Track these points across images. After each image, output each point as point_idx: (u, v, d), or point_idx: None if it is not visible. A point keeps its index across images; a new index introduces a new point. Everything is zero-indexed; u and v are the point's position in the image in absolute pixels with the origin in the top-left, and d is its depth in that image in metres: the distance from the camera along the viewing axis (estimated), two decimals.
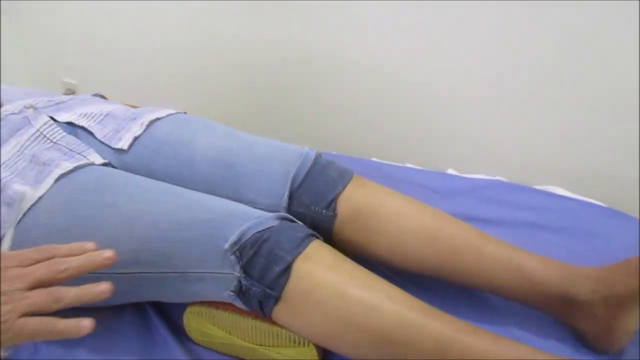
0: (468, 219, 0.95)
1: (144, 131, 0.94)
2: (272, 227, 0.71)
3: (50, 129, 0.92)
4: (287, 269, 0.68)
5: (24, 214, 0.78)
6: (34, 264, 0.57)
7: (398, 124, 1.42)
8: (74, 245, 0.59)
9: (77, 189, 0.79)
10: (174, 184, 0.87)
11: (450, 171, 1.23)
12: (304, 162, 0.86)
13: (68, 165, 0.83)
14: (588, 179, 1.19)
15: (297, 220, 0.76)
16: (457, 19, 1.20)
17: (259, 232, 0.70)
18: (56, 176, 0.81)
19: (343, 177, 0.86)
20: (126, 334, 0.84)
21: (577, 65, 1.13)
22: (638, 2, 1.01)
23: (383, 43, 1.32)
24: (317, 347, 0.73)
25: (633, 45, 1.05)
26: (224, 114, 1.50)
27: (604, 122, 1.17)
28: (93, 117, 0.98)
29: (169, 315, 0.87)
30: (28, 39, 1.91)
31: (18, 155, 0.87)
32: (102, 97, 1.18)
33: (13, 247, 0.78)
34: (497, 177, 1.17)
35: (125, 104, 1.11)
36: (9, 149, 0.88)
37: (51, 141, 0.90)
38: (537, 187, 1.13)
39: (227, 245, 0.69)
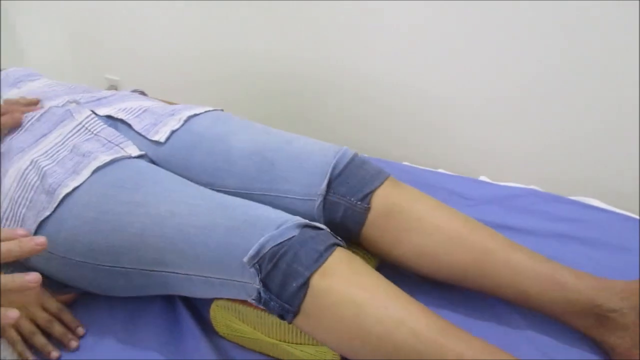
0: (499, 227, 0.94)
1: (182, 126, 0.97)
2: (292, 237, 0.70)
3: (91, 121, 0.96)
4: (304, 285, 0.68)
5: (60, 203, 0.81)
6: None
7: (431, 130, 1.41)
8: (5, 231, 0.58)
9: (111, 185, 0.81)
10: (209, 177, 0.91)
11: (483, 178, 1.22)
12: (343, 156, 0.88)
13: (105, 158, 0.86)
14: (624, 191, 1.16)
15: (321, 226, 0.76)
16: (476, 27, 1.19)
17: (277, 244, 0.69)
18: (93, 168, 0.84)
19: (380, 175, 0.88)
20: (154, 323, 0.87)
21: (614, 72, 1.10)
22: None
23: (409, 55, 1.32)
24: None
25: None
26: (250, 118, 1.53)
27: None
28: (132, 111, 1.01)
29: (197, 307, 0.89)
30: (75, 35, 1.98)
31: (60, 145, 0.91)
32: (143, 93, 1.21)
33: (47, 235, 0.81)
34: (531, 186, 1.15)
35: (164, 101, 1.14)
36: (51, 139, 0.92)
37: (92, 133, 0.94)
38: (572, 198, 1.11)
39: (246, 259, 0.69)
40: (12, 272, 0.96)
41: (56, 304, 0.87)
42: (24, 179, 0.86)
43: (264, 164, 0.89)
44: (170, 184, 0.82)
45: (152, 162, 0.95)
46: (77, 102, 1.01)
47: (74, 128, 0.94)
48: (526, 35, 1.16)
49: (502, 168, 1.28)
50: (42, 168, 0.86)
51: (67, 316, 0.86)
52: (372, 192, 0.85)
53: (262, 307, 0.73)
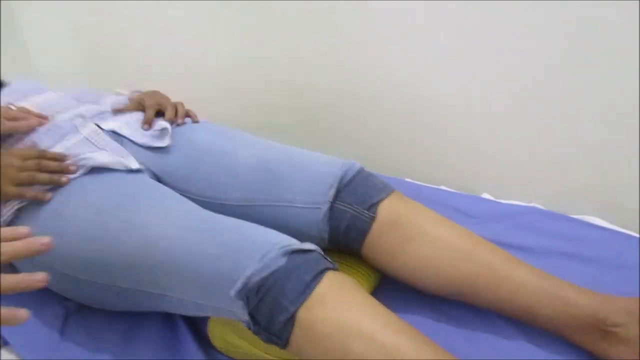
0: (501, 244, 0.93)
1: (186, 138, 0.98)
2: (278, 269, 0.69)
3: (95, 136, 0.97)
4: (291, 319, 0.67)
5: (59, 216, 0.82)
6: None
7: (432, 145, 1.41)
8: (6, 230, 0.57)
9: (110, 202, 0.82)
10: (214, 192, 0.92)
11: (485, 195, 1.22)
12: (350, 168, 0.89)
13: (104, 160, 0.88)
14: (626, 210, 1.15)
15: (312, 247, 0.74)
16: (485, 38, 1.19)
17: (262, 277, 0.68)
18: (92, 164, 0.87)
19: (386, 188, 0.89)
20: (153, 338, 0.86)
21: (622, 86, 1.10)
22: None
23: (414, 65, 1.33)
24: None
25: None
26: (264, 127, 1.53)
27: None
28: (136, 125, 1.02)
29: (195, 321, 0.88)
30: (88, 48, 1.98)
31: None
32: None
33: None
34: (533, 204, 1.15)
35: None
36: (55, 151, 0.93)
37: (95, 147, 0.94)
38: (574, 216, 1.10)
39: (232, 292, 0.69)
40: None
41: (35, 150, 0.88)
42: None
43: (268, 176, 0.90)
44: (166, 203, 0.82)
45: (156, 176, 0.96)
46: (83, 117, 1.02)
47: (78, 141, 0.95)
48: (529, 49, 1.16)
49: (504, 185, 1.27)
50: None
51: (49, 154, 0.88)
52: (378, 202, 0.85)
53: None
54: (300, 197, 0.87)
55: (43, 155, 0.87)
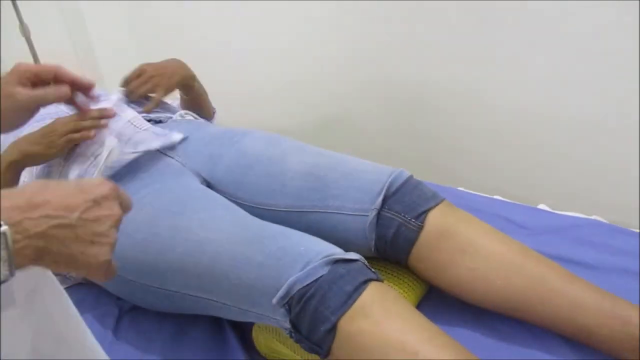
0: (556, 259, 0.89)
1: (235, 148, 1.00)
2: (321, 278, 0.69)
3: (137, 120, 1.04)
4: (332, 329, 0.67)
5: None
6: None
7: (488, 153, 1.37)
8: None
9: (161, 207, 0.85)
10: (262, 198, 0.93)
11: (542, 207, 1.17)
12: (398, 176, 0.88)
13: (155, 145, 0.97)
14: None
15: (355, 257, 0.73)
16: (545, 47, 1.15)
17: (305, 286, 0.68)
18: (144, 148, 0.94)
19: (435, 197, 0.87)
20: (201, 339, 0.88)
21: None
22: None
23: (478, 73, 1.30)
24: None
25: None
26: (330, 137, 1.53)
27: None
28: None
29: (241, 326, 0.89)
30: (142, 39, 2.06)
31: None
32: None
33: None
34: (594, 217, 1.09)
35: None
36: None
37: (138, 128, 1.02)
38: (636, 230, 1.04)
39: (275, 300, 0.69)
40: (67, 280, 1.02)
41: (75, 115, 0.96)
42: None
43: (316, 182, 0.90)
44: (214, 209, 0.84)
45: (206, 181, 0.98)
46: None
47: (123, 124, 1.01)
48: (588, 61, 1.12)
49: (563, 196, 1.22)
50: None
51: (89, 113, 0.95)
52: (427, 211, 0.84)
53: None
54: (348, 204, 0.87)
55: (82, 117, 0.95)
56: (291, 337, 0.71)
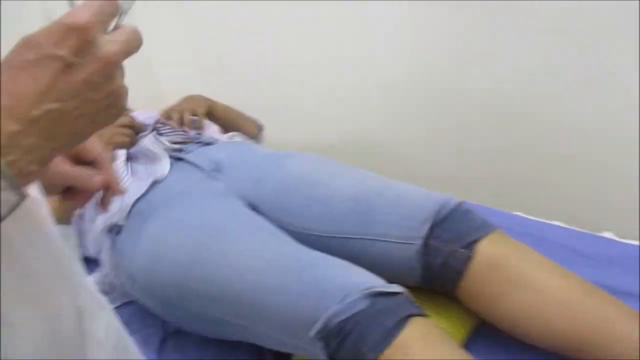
0: (621, 294, 0.83)
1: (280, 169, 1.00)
2: (360, 312, 0.66)
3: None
4: None
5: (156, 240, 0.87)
6: None
7: (548, 175, 1.30)
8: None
9: (204, 232, 0.84)
10: (307, 222, 0.91)
11: (607, 234, 1.09)
12: (447, 202, 0.84)
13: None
14: None
15: (397, 290, 0.70)
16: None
17: (342, 320, 0.66)
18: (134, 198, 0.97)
19: (486, 226, 0.82)
20: None
21: None
22: None
23: (534, 88, 1.24)
24: None
25: None
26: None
27: None
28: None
29: (282, 354, 0.87)
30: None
31: None
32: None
33: (145, 273, 0.87)
34: None
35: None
36: None
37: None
38: None
39: (312, 333, 0.67)
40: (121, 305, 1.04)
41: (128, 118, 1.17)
42: None
43: (362, 208, 0.88)
44: (256, 235, 0.83)
45: (251, 204, 0.98)
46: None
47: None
48: None
49: (630, 223, 1.13)
50: None
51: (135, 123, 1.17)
52: (477, 240, 0.79)
53: None
54: (393, 232, 0.84)
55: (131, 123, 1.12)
56: None
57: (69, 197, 0.57)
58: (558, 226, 1.12)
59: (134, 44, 0.40)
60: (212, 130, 1.47)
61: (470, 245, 0.79)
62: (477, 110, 1.42)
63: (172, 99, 1.39)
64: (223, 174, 1.02)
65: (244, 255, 0.78)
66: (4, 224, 0.37)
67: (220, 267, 0.78)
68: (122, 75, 0.41)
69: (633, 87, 1.12)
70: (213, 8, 1.77)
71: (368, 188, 0.91)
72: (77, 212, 1.07)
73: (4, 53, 0.38)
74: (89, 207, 1.06)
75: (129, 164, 1.10)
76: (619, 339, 0.70)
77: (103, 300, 0.53)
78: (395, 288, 0.70)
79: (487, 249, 0.79)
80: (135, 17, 0.45)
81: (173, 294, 0.84)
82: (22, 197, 0.37)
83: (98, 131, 0.42)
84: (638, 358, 0.68)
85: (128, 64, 0.41)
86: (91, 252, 1.05)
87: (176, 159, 1.06)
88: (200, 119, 1.29)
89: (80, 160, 0.57)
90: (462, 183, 1.50)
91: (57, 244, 0.48)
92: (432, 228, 0.81)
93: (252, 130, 1.47)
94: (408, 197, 0.87)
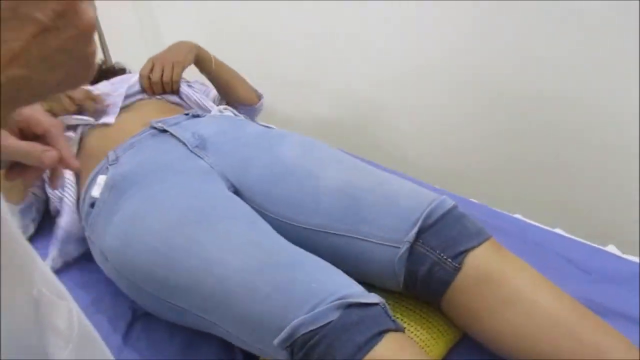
0: (622, 316, 0.78)
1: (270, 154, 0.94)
2: (329, 324, 0.61)
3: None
4: None
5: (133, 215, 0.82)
6: None
7: (553, 179, 1.23)
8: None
9: (179, 214, 0.78)
10: (292, 213, 0.85)
11: (611, 248, 1.02)
12: (439, 205, 0.77)
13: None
14: None
15: (373, 301, 0.64)
16: None
17: (310, 331, 0.61)
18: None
19: (479, 234, 0.75)
20: (206, 354, 0.83)
21: None
22: None
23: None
24: None
25: None
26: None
27: None
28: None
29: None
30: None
31: None
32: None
33: (116, 252, 0.82)
34: None
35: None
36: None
37: None
38: None
39: (276, 342, 0.62)
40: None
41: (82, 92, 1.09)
42: None
43: (350, 203, 0.81)
44: (233, 223, 0.77)
45: (234, 187, 0.92)
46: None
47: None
48: None
49: (636, 238, 1.07)
50: None
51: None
52: (467, 250, 0.73)
53: None
54: (379, 232, 0.77)
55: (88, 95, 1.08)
56: None
57: (17, 174, 0.52)
58: (560, 234, 1.06)
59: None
60: (211, 94, 1.41)
61: (460, 255, 0.73)
62: (491, 101, 1.35)
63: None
64: (207, 151, 0.96)
65: (216, 246, 0.73)
66: None
67: (190, 256, 0.73)
68: (94, 40, 0.36)
69: None
70: None
71: (358, 181, 0.84)
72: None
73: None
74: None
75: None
76: None
77: (62, 288, 0.49)
78: (372, 299, 0.64)
79: (478, 261, 0.72)
80: None
81: (142, 278, 0.79)
82: None
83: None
84: None
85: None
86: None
87: (160, 131, 0.99)
88: (175, 81, 1.23)
89: (28, 134, 0.52)
90: (464, 177, 1.44)
91: (8, 230, 0.43)
92: (420, 232, 0.75)
93: (249, 95, 1.41)
94: (400, 195, 0.80)
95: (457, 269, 0.72)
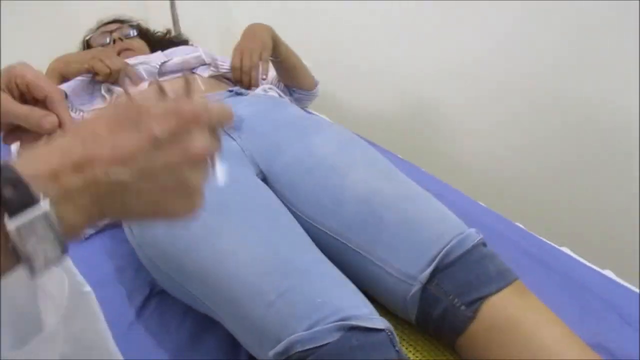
0: None
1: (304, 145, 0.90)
2: (327, 346, 0.57)
3: None
4: None
5: None
6: None
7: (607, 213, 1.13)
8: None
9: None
10: (312, 212, 0.82)
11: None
12: (463, 240, 0.71)
13: None
14: None
15: (378, 327, 0.60)
16: None
17: (306, 350, 0.58)
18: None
19: (501, 278, 0.68)
20: (214, 347, 0.81)
21: None
22: None
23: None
24: None
25: None
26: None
27: None
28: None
29: None
30: None
31: None
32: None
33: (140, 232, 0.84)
34: None
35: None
36: None
37: None
38: None
39: (271, 353, 0.60)
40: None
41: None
42: None
43: (372, 218, 0.76)
44: (253, 215, 0.75)
45: (262, 173, 0.90)
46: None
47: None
48: None
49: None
50: None
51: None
52: (483, 297, 0.66)
53: None
54: (394, 262, 0.72)
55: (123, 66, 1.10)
56: None
57: (15, 137, 0.52)
58: (609, 278, 0.97)
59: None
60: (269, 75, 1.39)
61: (476, 303, 0.66)
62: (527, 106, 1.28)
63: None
64: (241, 132, 0.93)
65: (231, 239, 0.71)
66: None
67: (206, 244, 0.72)
68: (204, 173, 0.38)
69: None
70: None
71: (384, 193, 0.78)
72: None
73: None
74: None
75: None
76: None
77: None
78: (377, 324, 0.60)
79: (495, 309, 0.66)
80: None
81: (160, 258, 0.79)
82: (62, 254, 0.33)
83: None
84: None
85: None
86: None
87: None
88: (264, 67, 1.17)
89: (28, 98, 0.52)
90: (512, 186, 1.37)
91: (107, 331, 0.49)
92: (436, 272, 0.69)
93: (309, 81, 1.38)
94: (423, 221, 0.74)
95: (471, 318, 0.66)
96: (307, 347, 0.58)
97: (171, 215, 0.37)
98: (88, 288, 0.52)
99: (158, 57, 1.22)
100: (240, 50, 1.18)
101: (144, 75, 1.16)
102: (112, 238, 1.05)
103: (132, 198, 0.34)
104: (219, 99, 1.00)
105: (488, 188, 1.32)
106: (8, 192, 0.30)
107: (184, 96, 0.38)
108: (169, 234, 0.76)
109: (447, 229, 0.72)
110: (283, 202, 0.84)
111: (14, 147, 0.92)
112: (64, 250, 0.32)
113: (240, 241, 0.70)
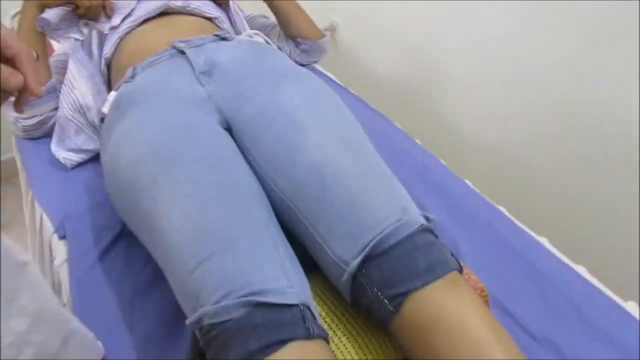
0: None
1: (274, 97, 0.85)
2: (230, 321, 0.57)
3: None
4: None
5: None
6: None
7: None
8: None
9: (153, 147, 0.76)
10: (269, 170, 0.78)
11: (631, 307, 0.88)
12: (397, 229, 0.66)
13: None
14: None
15: (292, 302, 0.60)
16: None
17: (212, 323, 0.58)
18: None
19: (432, 271, 0.63)
20: (165, 299, 0.81)
21: None
22: None
23: None
24: None
25: None
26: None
27: None
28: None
29: None
30: None
31: None
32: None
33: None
34: None
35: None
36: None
37: None
38: None
39: (187, 322, 0.62)
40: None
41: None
42: None
43: (318, 190, 0.72)
44: (196, 170, 0.73)
45: (227, 122, 0.86)
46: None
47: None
48: None
49: None
50: None
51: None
52: (407, 292, 0.62)
53: None
54: (332, 244, 0.69)
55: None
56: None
57: None
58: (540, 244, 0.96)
59: None
60: (275, 30, 1.37)
61: (398, 298, 0.63)
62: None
63: None
64: (210, 78, 0.89)
65: (168, 194, 0.71)
66: None
67: (149, 196, 0.72)
68: None
69: None
70: None
71: (338, 164, 0.73)
72: None
73: None
74: None
75: None
76: None
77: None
78: (289, 299, 0.60)
79: (418, 306, 0.62)
80: None
81: (120, 201, 0.82)
82: None
83: None
84: None
85: None
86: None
87: (179, 52, 0.94)
88: None
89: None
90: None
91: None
92: (366, 260, 0.66)
93: (312, 30, 1.32)
94: (367, 203, 0.69)
95: (393, 313, 0.63)
96: (212, 321, 0.58)
97: None
98: (24, 257, 0.53)
99: None
100: None
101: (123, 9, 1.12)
102: (97, 173, 1.06)
103: None
104: (202, 43, 0.96)
105: (483, 174, 1.29)
106: None
107: None
108: (123, 180, 0.78)
109: (386, 214, 0.68)
110: (245, 156, 0.81)
111: None
112: None
113: (177, 198, 0.70)
